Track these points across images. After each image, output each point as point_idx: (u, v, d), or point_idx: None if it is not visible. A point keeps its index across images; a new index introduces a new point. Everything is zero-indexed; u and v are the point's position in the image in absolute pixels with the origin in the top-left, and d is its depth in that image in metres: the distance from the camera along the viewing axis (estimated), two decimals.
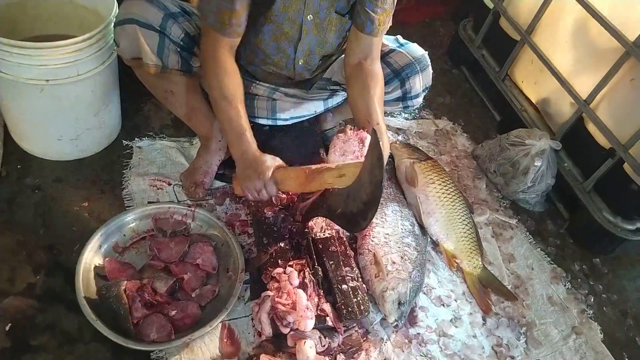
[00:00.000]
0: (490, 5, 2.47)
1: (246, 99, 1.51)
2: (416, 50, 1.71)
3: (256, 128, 1.68)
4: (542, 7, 2.14)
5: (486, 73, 2.53)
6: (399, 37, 1.76)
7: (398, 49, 1.70)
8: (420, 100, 1.78)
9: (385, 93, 1.69)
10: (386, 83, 1.67)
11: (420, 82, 1.70)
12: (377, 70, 1.61)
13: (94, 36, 1.48)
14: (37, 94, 1.52)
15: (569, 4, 2.04)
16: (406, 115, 2.36)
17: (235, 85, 1.45)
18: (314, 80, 1.77)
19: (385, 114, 2.29)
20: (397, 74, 1.68)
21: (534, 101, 2.30)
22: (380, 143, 1.25)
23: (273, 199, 1.52)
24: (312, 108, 1.84)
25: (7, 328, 1.33)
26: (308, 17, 1.49)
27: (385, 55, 1.69)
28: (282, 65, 1.62)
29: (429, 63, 1.72)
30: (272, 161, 1.43)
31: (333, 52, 1.66)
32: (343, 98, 1.86)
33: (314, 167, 1.44)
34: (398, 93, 1.72)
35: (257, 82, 1.71)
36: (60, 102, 1.57)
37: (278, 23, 1.49)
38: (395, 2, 1.54)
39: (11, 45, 1.40)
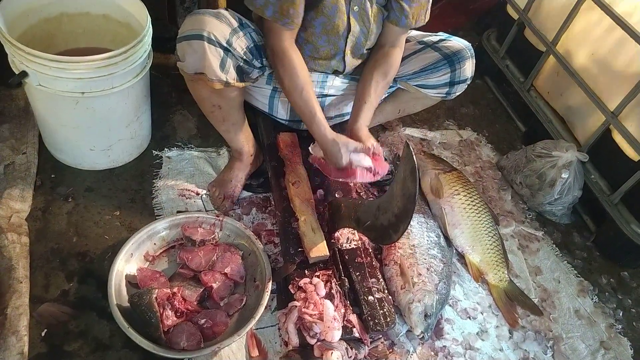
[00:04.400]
0: (515, 16, 2.47)
1: None
2: (463, 40, 1.77)
3: (301, 135, 1.85)
4: (569, 18, 2.13)
5: (510, 83, 2.52)
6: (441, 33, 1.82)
7: (448, 38, 1.76)
8: (464, 87, 1.81)
9: (434, 78, 1.75)
10: (436, 69, 1.73)
11: (470, 67, 1.75)
12: (395, 57, 1.66)
13: (129, 50, 1.51)
14: (72, 106, 1.56)
15: (596, 15, 2.03)
16: (429, 126, 2.36)
17: (303, 74, 1.52)
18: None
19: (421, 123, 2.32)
20: (448, 59, 1.71)
21: (559, 112, 2.28)
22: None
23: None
24: None
25: (42, 334, 1.37)
26: (354, 8, 1.54)
27: (435, 43, 1.74)
28: (331, 57, 1.65)
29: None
30: (345, 146, 1.51)
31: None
32: (387, 93, 1.92)
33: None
34: (446, 78, 1.74)
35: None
36: (94, 113, 1.61)
37: (329, 16, 1.53)
38: None
39: (49, 60, 1.43)
